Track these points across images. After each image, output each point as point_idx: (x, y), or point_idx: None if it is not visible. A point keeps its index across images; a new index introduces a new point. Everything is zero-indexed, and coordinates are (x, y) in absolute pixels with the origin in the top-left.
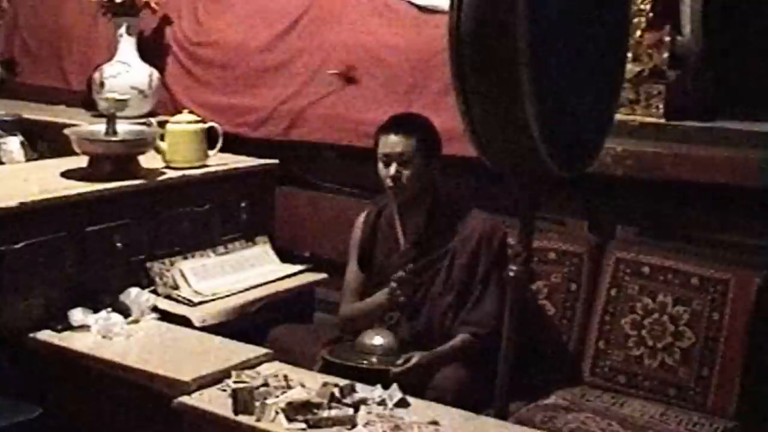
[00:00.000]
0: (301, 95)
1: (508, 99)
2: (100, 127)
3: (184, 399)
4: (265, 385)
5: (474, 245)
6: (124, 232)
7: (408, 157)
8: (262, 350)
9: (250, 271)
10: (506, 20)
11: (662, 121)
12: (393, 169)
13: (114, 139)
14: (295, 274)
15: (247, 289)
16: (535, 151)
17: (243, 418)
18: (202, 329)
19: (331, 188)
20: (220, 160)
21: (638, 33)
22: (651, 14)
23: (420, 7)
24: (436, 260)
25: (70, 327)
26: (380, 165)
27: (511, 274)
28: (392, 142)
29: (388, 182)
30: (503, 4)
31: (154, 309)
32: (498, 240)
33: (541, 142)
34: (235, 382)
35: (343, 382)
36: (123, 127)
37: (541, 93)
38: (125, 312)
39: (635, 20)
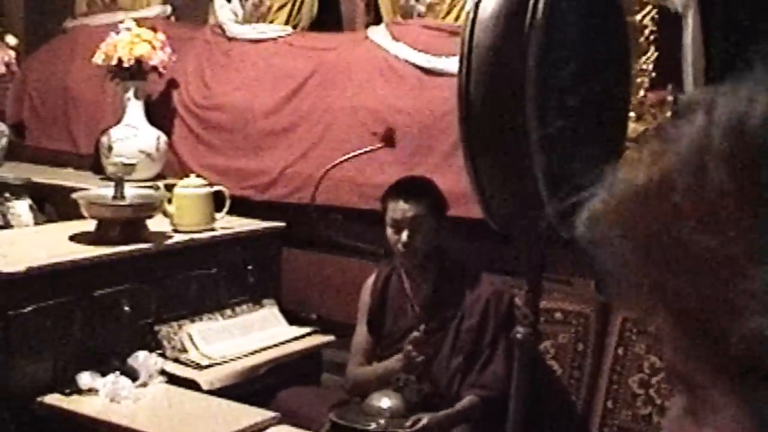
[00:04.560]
0: (308, 158)
1: (516, 161)
2: (108, 191)
3: None
4: None
5: (482, 308)
6: (132, 296)
7: (419, 222)
8: (269, 413)
9: (257, 333)
10: (516, 85)
11: None
12: (405, 234)
13: (122, 203)
14: (302, 337)
15: (254, 352)
16: (542, 212)
17: None
18: (210, 393)
19: (338, 250)
20: (227, 223)
21: (641, 92)
22: (654, 74)
23: (425, 70)
24: (445, 323)
25: (78, 390)
26: (390, 231)
27: (519, 336)
28: (402, 208)
29: (400, 248)
30: (514, 69)
31: (162, 372)
32: (505, 303)
33: (548, 203)
34: None
35: None
36: (131, 191)
37: (550, 154)
38: (133, 375)
39: (638, 80)
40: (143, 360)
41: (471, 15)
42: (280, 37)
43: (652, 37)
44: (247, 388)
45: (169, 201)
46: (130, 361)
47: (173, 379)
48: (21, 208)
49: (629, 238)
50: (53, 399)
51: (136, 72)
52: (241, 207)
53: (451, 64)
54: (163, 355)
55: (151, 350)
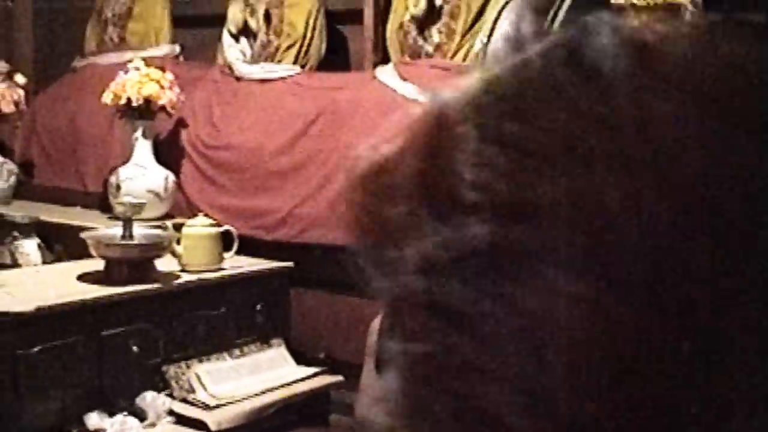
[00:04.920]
0: (317, 198)
1: None
2: (116, 230)
3: None
4: None
5: None
6: (140, 336)
7: None
8: None
9: (266, 374)
10: None
11: None
12: None
13: (130, 243)
14: (310, 377)
15: (262, 393)
16: None
17: None
18: None
19: (347, 290)
20: (235, 263)
21: None
22: None
23: None
24: None
25: (86, 431)
26: None
27: None
28: None
29: None
30: None
31: (170, 413)
32: None
33: None
34: None
35: None
36: (139, 231)
37: None
38: (141, 416)
39: None
40: (151, 400)
41: (480, 56)
42: (288, 76)
43: None
44: (255, 428)
45: (178, 241)
46: (138, 401)
47: (181, 420)
48: (29, 247)
49: (352, 211)
50: None
51: (144, 111)
52: (249, 247)
53: None
54: (171, 396)
55: (159, 390)
